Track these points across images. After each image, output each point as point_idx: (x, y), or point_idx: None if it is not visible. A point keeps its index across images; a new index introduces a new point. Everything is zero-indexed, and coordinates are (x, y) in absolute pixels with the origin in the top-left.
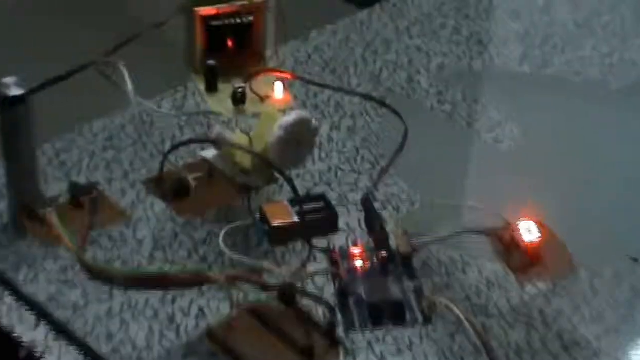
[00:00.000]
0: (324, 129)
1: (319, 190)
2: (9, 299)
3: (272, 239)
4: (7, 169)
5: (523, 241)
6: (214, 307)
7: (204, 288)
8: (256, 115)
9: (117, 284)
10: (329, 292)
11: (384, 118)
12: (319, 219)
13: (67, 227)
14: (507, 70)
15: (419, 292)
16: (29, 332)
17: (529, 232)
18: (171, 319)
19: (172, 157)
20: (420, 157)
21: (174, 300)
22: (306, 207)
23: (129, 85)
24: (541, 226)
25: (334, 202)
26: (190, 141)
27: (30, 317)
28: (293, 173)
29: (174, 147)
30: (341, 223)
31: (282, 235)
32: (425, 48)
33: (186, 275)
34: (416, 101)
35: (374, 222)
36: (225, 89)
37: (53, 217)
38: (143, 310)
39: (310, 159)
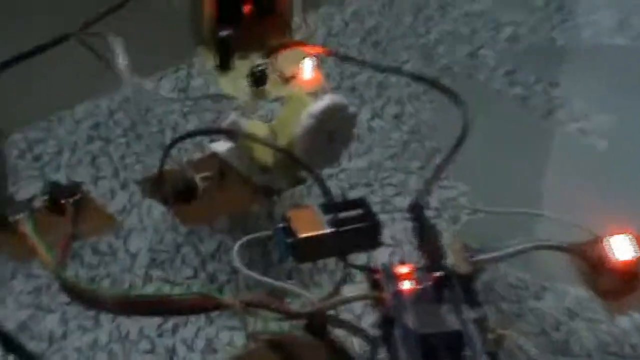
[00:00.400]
0: (363, 117)
1: (356, 193)
2: None
3: (298, 254)
4: None
5: (614, 259)
6: (225, 339)
7: (213, 314)
8: (279, 100)
9: (104, 309)
10: (368, 320)
11: (438, 104)
12: (357, 230)
13: (43, 237)
14: (597, 44)
15: (481, 323)
16: None
17: (621, 248)
18: (171, 353)
19: (173, 151)
20: (484, 153)
21: (174, 330)
22: (341, 214)
23: (122, 61)
24: (638, 241)
25: (375, 208)
26: (197, 132)
27: None
28: (324, 172)
29: (177, 140)
30: (384, 235)
31: (311, 250)
32: (492, 15)
33: (191, 299)
34: (480, 83)
35: (425, 235)
36: (241, 67)
37: (26, 225)
38: (136, 342)
39: (345, 155)
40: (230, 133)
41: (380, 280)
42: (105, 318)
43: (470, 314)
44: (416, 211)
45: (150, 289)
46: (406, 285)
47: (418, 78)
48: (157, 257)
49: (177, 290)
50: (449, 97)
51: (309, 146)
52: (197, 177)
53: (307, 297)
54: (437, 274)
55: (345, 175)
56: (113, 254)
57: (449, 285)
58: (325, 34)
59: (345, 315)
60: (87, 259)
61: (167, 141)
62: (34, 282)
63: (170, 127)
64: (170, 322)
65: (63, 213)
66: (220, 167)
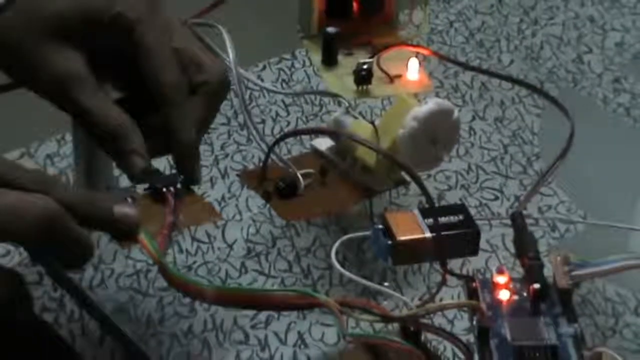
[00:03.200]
0: (465, 118)
1: (453, 195)
2: (70, 305)
3: (396, 256)
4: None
5: None
6: (317, 335)
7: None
8: (383, 100)
9: (202, 299)
10: (461, 327)
11: (542, 109)
12: (457, 236)
13: (145, 224)
14: None
15: (578, 339)
16: (93, 348)
17: None
18: (263, 345)
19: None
20: (585, 162)
21: (267, 322)
22: (442, 220)
23: (230, 53)
24: None
25: (471, 212)
26: (301, 131)
27: (94, 329)
28: (423, 173)
29: (281, 138)
30: (481, 241)
31: (409, 253)
32: (601, 19)
33: (289, 296)
34: (584, 89)
35: (525, 245)
36: (346, 64)
37: None
38: (230, 333)
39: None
40: (334, 134)
41: (477, 289)
42: (200, 306)
43: (567, 329)
44: (517, 220)
45: (245, 280)
46: (503, 295)
47: (521, 84)
48: (253, 249)
49: (271, 282)
50: (552, 103)
51: (411, 149)
52: (299, 174)
53: (402, 300)
54: (535, 285)
55: (443, 176)
56: (210, 242)
57: (547, 299)
58: (429, 31)
59: (439, 321)
60: (185, 246)
61: (268, 131)
62: (135, 265)
63: (271, 118)
64: (264, 314)
65: (164, 202)
66: (322, 164)
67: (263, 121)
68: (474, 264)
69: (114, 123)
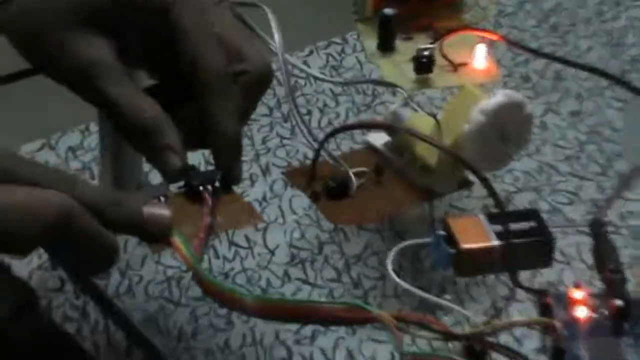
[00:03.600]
0: (536, 111)
1: (522, 198)
2: (94, 314)
3: (460, 266)
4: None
5: None
6: (368, 352)
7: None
8: (446, 91)
9: (242, 310)
10: (531, 347)
11: (624, 101)
12: (528, 245)
13: (178, 226)
14: None
15: None
16: None
17: None
18: None
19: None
20: None
21: (313, 337)
22: (512, 226)
23: (276, 36)
24: None
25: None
26: (354, 126)
27: (120, 341)
28: (489, 173)
29: (333, 133)
30: (557, 251)
31: (474, 264)
32: None
33: (339, 309)
34: None
35: (605, 256)
36: (405, 50)
37: None
38: (271, 348)
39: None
40: (390, 129)
41: (550, 305)
42: (238, 318)
43: None
44: (596, 228)
45: (288, 289)
46: (580, 313)
47: (600, 73)
48: (298, 255)
49: (317, 293)
50: (635, 94)
51: (477, 147)
52: (352, 173)
53: (464, 316)
54: (617, 302)
55: (512, 177)
56: (250, 247)
57: (630, 318)
58: (496, 13)
59: (506, 339)
60: (222, 250)
61: (314, 124)
62: (165, 271)
63: (318, 109)
64: (309, 328)
65: (200, 201)
66: (377, 163)
67: (309, 112)
68: (546, 276)
69: (146, 116)
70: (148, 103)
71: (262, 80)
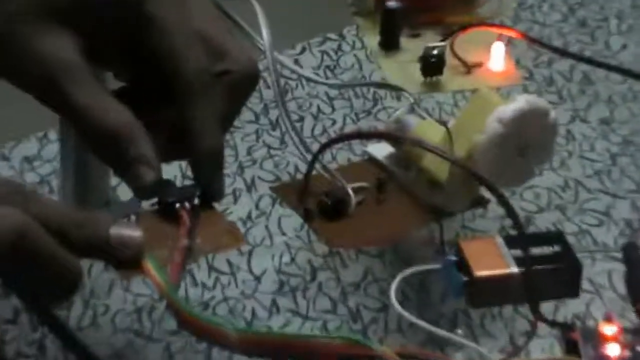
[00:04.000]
0: (561, 119)
1: (544, 218)
2: (54, 350)
3: (473, 296)
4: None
5: None
6: None
7: None
8: (459, 95)
9: (224, 345)
10: None
11: None
12: (552, 272)
13: (152, 249)
14: None
15: None
16: None
17: None
18: None
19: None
20: None
21: None
22: (532, 250)
23: (264, 32)
24: None
25: (569, 240)
26: (353, 135)
27: None
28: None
29: (328, 144)
30: (584, 279)
31: (491, 294)
32: None
33: (335, 345)
34: None
35: None
36: (411, 48)
37: None
38: None
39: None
40: (394, 138)
41: (577, 341)
42: (218, 354)
43: None
44: (630, 252)
45: (277, 322)
46: (612, 351)
47: (635, 75)
48: (287, 282)
49: (309, 326)
50: None
51: (494, 160)
52: (350, 189)
53: (479, 353)
54: None
55: (533, 193)
56: (233, 273)
57: None
58: (516, 8)
59: None
60: (201, 277)
61: (307, 132)
62: (135, 301)
63: (312, 115)
64: None
65: (176, 220)
66: (379, 177)
67: (301, 118)
68: (572, 308)
69: (115, 122)
70: (118, 108)
71: (247, 82)
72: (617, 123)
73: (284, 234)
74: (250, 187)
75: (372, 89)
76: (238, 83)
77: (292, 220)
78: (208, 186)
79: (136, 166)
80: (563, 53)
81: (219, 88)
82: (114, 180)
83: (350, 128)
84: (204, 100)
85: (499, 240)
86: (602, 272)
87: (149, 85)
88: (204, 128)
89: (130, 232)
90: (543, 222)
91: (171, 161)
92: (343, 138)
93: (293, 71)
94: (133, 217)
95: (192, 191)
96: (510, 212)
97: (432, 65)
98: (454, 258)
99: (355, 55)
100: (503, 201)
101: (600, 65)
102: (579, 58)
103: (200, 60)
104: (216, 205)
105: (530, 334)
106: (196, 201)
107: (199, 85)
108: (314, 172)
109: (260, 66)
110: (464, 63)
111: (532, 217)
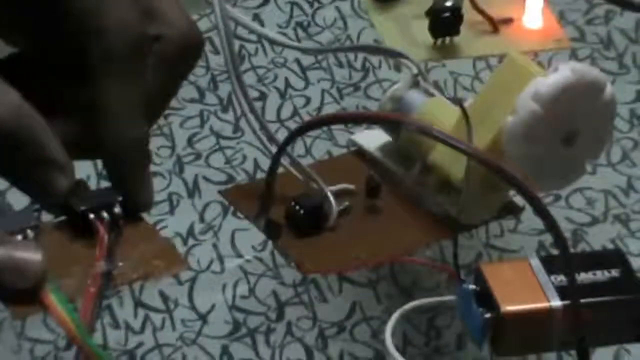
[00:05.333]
0: (623, 96)
1: (599, 232)
2: None
3: (499, 341)
4: None
5: None
6: None
7: None
8: (481, 63)
9: None
10: None
11: None
12: (608, 305)
13: (56, 275)
14: None
15: None
16: None
17: None
18: None
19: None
20: None
21: None
22: (583, 276)
23: None
24: None
25: (635, 263)
26: (333, 119)
27: None
28: (548, 193)
29: (301, 131)
30: None
31: (522, 336)
32: None
33: None
34: None
35: None
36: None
37: None
38: None
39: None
40: (391, 123)
41: None
42: None
43: None
44: None
45: None
46: None
47: None
48: (244, 323)
49: None
50: None
51: (529, 152)
52: (329, 193)
53: None
54: None
55: (584, 199)
56: (168, 310)
57: None
58: None
59: None
60: (125, 314)
61: (272, 115)
62: (33, 349)
63: (277, 91)
64: None
65: (91, 236)
66: (370, 177)
67: (263, 96)
68: (637, 357)
69: (4, 117)
70: (12, 97)
71: (184, 52)
72: None
73: (239, 255)
74: (192, 190)
75: (360, 55)
76: (172, 53)
77: (251, 237)
78: (130, 192)
79: (40, 171)
80: (625, 4)
81: (146, 59)
82: (0, 183)
83: (330, 109)
84: (125, 74)
85: (536, 262)
86: None
87: (53, 54)
88: (122, 112)
89: (27, 254)
90: (598, 238)
91: (86, 159)
92: (320, 123)
93: (252, 30)
94: (30, 233)
95: (112, 197)
96: (551, 224)
97: (444, 23)
98: (473, 287)
99: (337, 8)
100: (541, 209)
101: None
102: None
103: (125, 19)
104: (145, 216)
105: None
106: (117, 210)
107: (121, 52)
108: (280, 170)
109: (207, 24)
110: (489, 19)
111: (583, 231)
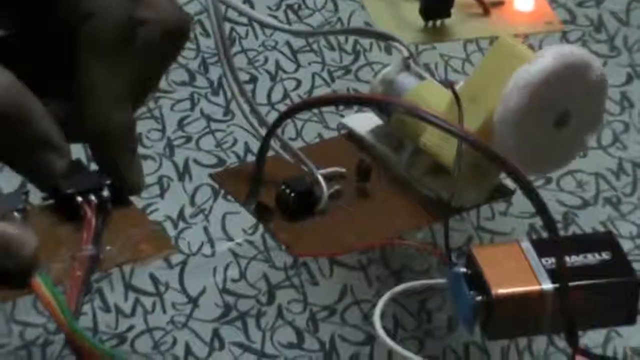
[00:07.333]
0: (615, 78)
1: (590, 215)
2: None
3: (490, 324)
4: None
5: None
6: None
7: None
8: (472, 46)
9: None
10: None
11: None
12: (598, 288)
13: (45, 261)
14: None
15: None
16: None
17: None
18: None
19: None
20: None
21: None
22: (573, 259)
23: None
24: None
25: (626, 247)
26: (322, 101)
27: None
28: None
29: (290, 112)
30: None
31: (514, 319)
32: None
33: None
34: None
35: None
36: None
37: None
38: None
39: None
40: (381, 106)
41: None
42: None
43: None
44: None
45: None
46: None
47: None
48: (235, 306)
49: None
50: None
51: (519, 134)
52: (320, 176)
53: None
54: None
55: (575, 181)
56: (158, 294)
57: None
58: None
59: None
60: (114, 299)
61: (262, 98)
62: (23, 333)
63: (268, 74)
64: None
65: (79, 220)
66: (361, 160)
67: (253, 79)
68: (628, 339)
69: (4, 98)
70: (1, 74)
71: (170, 37)
72: None
73: (230, 238)
74: (182, 174)
75: (351, 38)
76: (157, 37)
77: (241, 220)
78: (118, 176)
79: (36, 152)
80: None
81: (132, 43)
82: None
83: (321, 92)
84: (110, 58)
85: (526, 245)
86: None
87: (41, 38)
88: (106, 95)
89: (21, 233)
90: (589, 221)
91: (74, 142)
92: (310, 105)
93: (241, 13)
94: (18, 215)
95: (100, 180)
96: (541, 207)
97: (435, 5)
98: (464, 270)
99: None
100: (531, 191)
101: None
102: None
103: (110, 3)
104: (135, 199)
105: None
106: (105, 194)
107: (106, 36)
108: (270, 153)
109: (198, 7)
110: (480, 1)
111: (574, 213)
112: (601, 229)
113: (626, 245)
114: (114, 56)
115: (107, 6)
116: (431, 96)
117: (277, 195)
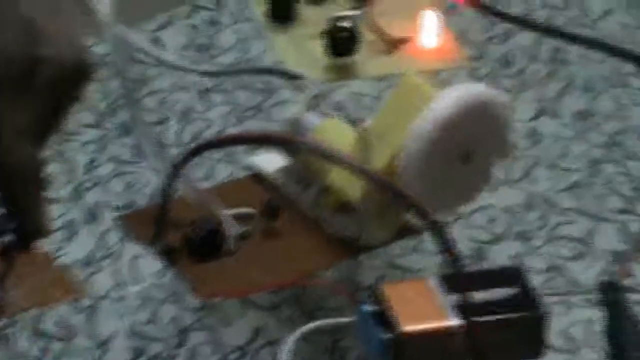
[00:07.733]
0: (523, 114)
1: (501, 250)
2: None
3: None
4: None
5: None
6: None
7: None
8: (379, 84)
9: None
10: None
11: None
12: (505, 323)
13: None
14: None
15: None
16: None
17: None
18: None
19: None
20: None
21: None
22: (478, 295)
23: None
24: None
25: (535, 282)
26: (228, 140)
27: None
28: (447, 213)
29: (196, 151)
30: (552, 331)
31: (422, 355)
32: None
33: None
34: None
35: (626, 342)
36: (312, 19)
37: None
38: None
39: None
40: (289, 145)
41: None
42: None
43: None
44: (613, 296)
45: None
46: None
47: (622, 52)
48: (146, 350)
49: None
50: None
51: (426, 172)
52: (228, 216)
53: None
54: None
55: (484, 217)
56: (67, 339)
57: None
58: None
59: None
60: (20, 345)
61: (172, 138)
62: None
63: (177, 115)
64: None
65: None
66: (269, 199)
67: (163, 120)
68: None
69: None
70: None
71: (72, 75)
72: (599, 117)
73: (138, 281)
74: (90, 217)
75: (263, 78)
76: (57, 76)
77: (152, 262)
78: (23, 219)
79: None
80: (525, 23)
81: (32, 82)
82: None
83: (233, 132)
84: (8, 96)
85: (433, 282)
86: (580, 323)
87: None
88: (6, 135)
89: None
90: (500, 256)
91: None
92: (217, 144)
93: (149, 54)
94: None
95: (4, 224)
96: (446, 243)
97: (341, 43)
98: (372, 308)
99: (237, 30)
100: (434, 228)
101: (574, 39)
102: (547, 30)
103: (9, 42)
104: (43, 243)
105: None
106: (9, 238)
107: (4, 75)
108: (178, 194)
109: (104, 48)
110: (387, 38)
111: (485, 249)
112: (510, 263)
113: (537, 279)
114: (11, 95)
115: (5, 43)
116: (337, 134)
117: (183, 237)
